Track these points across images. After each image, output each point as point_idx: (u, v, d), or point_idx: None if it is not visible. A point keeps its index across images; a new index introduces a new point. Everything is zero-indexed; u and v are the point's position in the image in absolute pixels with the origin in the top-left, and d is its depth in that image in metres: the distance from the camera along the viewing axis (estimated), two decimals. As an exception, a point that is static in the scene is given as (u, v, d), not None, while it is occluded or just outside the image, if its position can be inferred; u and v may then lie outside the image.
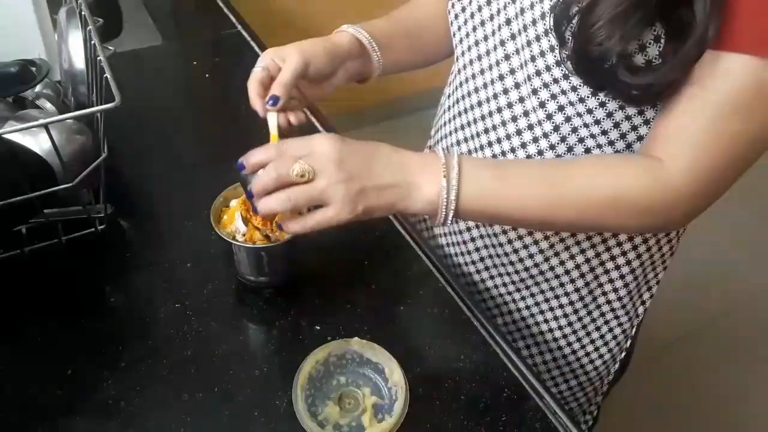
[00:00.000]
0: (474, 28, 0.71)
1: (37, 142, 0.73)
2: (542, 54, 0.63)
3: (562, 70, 0.62)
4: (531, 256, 0.77)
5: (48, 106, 0.85)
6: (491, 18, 0.68)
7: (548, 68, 0.63)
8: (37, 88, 0.86)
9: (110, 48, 1.03)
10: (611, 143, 0.66)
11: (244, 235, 0.71)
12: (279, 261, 0.75)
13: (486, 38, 0.70)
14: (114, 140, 0.77)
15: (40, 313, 0.73)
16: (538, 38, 0.62)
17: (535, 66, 0.64)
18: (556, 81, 0.63)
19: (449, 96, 0.82)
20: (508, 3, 0.65)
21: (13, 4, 0.89)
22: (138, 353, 0.69)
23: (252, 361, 0.70)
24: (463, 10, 0.72)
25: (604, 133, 0.65)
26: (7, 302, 0.73)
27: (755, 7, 0.52)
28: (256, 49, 1.19)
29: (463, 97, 0.76)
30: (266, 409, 0.65)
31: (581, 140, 0.66)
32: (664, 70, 0.56)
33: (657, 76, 0.56)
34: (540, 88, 0.65)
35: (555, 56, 0.61)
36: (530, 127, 0.68)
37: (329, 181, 0.57)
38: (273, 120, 0.69)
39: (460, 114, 0.77)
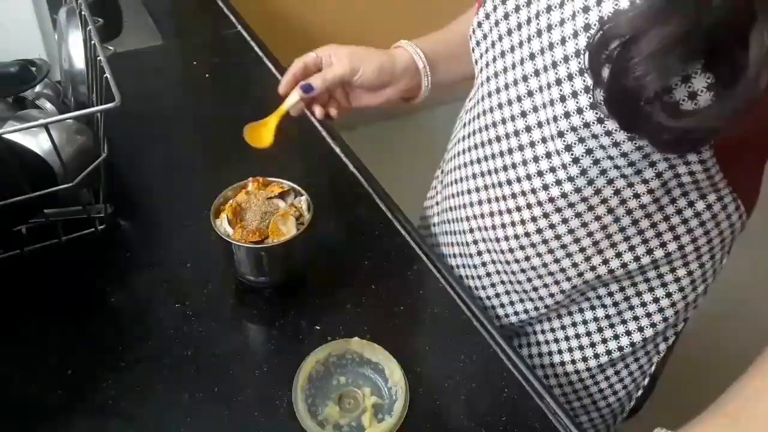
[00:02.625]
0: (494, 58, 0.67)
1: (37, 142, 0.73)
2: (574, 95, 0.58)
3: (596, 113, 0.57)
4: (552, 295, 0.74)
5: (48, 106, 0.85)
6: (512, 50, 0.64)
7: (579, 111, 0.58)
8: (37, 88, 0.86)
9: (110, 48, 1.04)
10: (645, 182, 0.62)
11: (230, 237, 0.71)
12: (279, 261, 0.75)
13: (506, 70, 0.66)
14: (114, 140, 0.77)
15: (40, 313, 0.73)
16: (570, 77, 0.57)
17: (564, 107, 0.59)
18: (587, 125, 0.58)
19: (465, 125, 0.77)
20: (533, 36, 0.60)
21: (13, 4, 0.89)
22: (138, 353, 0.69)
23: (252, 361, 0.70)
24: (485, 37, 0.68)
25: (638, 173, 0.61)
26: (7, 302, 0.73)
27: None
28: (256, 49, 1.19)
29: (480, 130, 0.72)
30: (266, 409, 0.65)
31: (610, 182, 0.62)
32: (703, 115, 0.51)
33: (694, 120, 0.51)
34: (567, 131, 0.60)
35: (589, 98, 0.56)
36: (552, 169, 0.64)
37: None
38: (292, 99, 0.73)
39: (476, 146, 0.73)
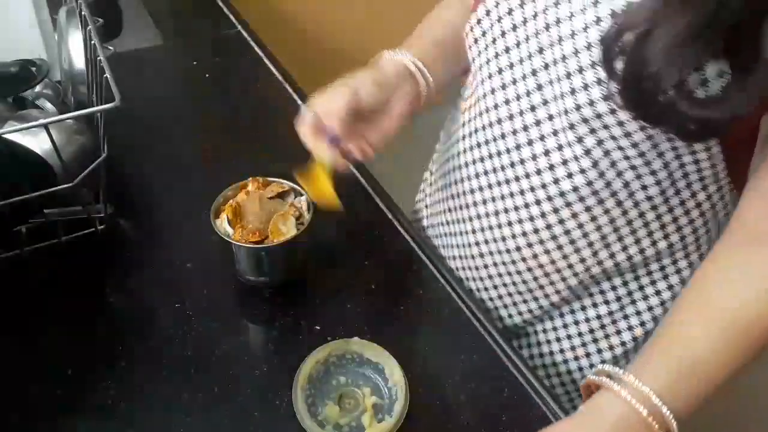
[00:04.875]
0: (496, 55, 0.66)
1: (37, 142, 0.73)
2: (585, 87, 0.58)
3: (609, 105, 0.57)
4: (557, 292, 0.75)
5: (48, 106, 0.85)
6: (518, 45, 0.64)
7: (591, 103, 0.58)
8: (37, 88, 0.86)
9: (110, 48, 1.04)
10: (653, 173, 0.63)
11: (230, 237, 0.71)
12: (279, 261, 0.75)
13: (511, 66, 0.65)
14: (114, 140, 0.77)
15: (40, 313, 0.73)
16: (581, 70, 0.58)
17: (575, 99, 0.59)
18: (599, 116, 0.58)
19: (465, 124, 0.76)
20: (540, 30, 0.60)
21: (13, 4, 0.89)
22: (138, 353, 0.69)
23: (252, 361, 0.70)
24: (484, 34, 0.67)
25: (647, 164, 0.62)
26: (7, 302, 0.73)
27: None
28: (256, 49, 1.19)
29: (483, 128, 0.71)
30: (266, 409, 0.65)
31: (619, 174, 0.63)
32: (729, 104, 0.51)
33: (720, 109, 0.51)
34: (578, 122, 0.60)
35: (602, 90, 0.57)
36: (564, 162, 0.64)
37: None
38: (326, 156, 0.63)
39: (479, 145, 0.72)
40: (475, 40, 0.69)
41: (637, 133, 0.59)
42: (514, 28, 0.64)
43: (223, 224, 0.72)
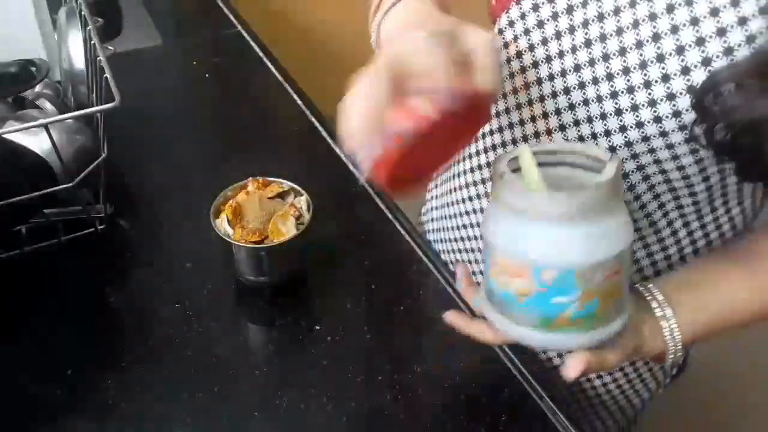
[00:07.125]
0: (523, 68, 0.61)
1: (37, 142, 0.73)
2: (634, 108, 0.55)
3: (660, 127, 0.54)
4: None
5: (48, 106, 0.85)
6: (549, 60, 0.59)
7: (640, 125, 0.55)
8: (37, 88, 0.86)
9: (110, 48, 1.04)
10: (692, 194, 0.62)
11: (230, 237, 0.71)
12: (279, 261, 0.75)
13: (542, 81, 0.60)
14: (114, 140, 0.77)
15: (40, 313, 0.73)
16: (631, 90, 0.54)
17: (620, 121, 0.56)
18: (646, 139, 0.55)
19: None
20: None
21: (13, 4, 0.89)
22: (138, 353, 0.69)
23: (252, 361, 0.70)
24: (516, 39, 0.61)
25: (689, 186, 0.60)
26: (7, 302, 0.73)
27: None
28: (256, 49, 1.19)
29: (501, 144, 0.68)
30: (266, 409, 0.65)
31: (656, 196, 0.62)
32: None
33: None
34: (620, 146, 0.57)
35: (659, 126, 0.53)
36: None
37: None
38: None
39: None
40: (505, 44, 0.63)
41: (686, 157, 0.56)
42: (557, 36, 0.58)
43: (223, 224, 0.72)
